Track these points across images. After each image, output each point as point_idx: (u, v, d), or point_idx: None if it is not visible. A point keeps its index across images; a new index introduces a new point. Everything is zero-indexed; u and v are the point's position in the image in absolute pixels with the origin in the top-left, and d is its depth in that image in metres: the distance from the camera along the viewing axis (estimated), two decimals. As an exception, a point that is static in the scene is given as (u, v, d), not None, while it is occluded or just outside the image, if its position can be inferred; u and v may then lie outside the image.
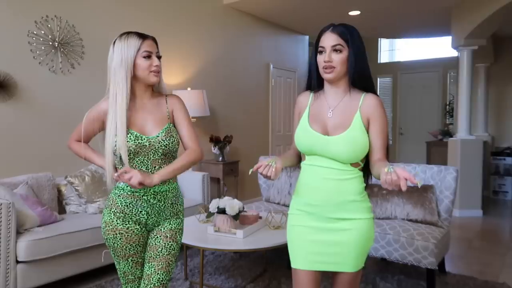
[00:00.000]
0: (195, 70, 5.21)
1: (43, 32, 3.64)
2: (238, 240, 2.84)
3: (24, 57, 3.53)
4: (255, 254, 3.78)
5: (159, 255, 1.72)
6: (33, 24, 3.58)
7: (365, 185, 1.66)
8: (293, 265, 1.66)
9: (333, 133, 1.58)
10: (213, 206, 3.01)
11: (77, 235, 3.02)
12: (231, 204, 2.94)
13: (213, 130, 5.39)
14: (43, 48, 3.64)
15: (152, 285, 1.69)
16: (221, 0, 5.55)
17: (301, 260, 1.64)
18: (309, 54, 1.77)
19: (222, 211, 2.95)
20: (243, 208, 3.02)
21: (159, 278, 1.70)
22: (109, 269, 3.30)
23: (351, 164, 1.58)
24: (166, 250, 1.73)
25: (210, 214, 3.07)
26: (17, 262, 2.76)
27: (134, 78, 1.68)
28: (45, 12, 3.66)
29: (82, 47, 3.94)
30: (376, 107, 1.57)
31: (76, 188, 3.48)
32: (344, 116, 1.59)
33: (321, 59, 1.58)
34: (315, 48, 1.62)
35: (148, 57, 1.66)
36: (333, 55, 1.55)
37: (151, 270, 1.71)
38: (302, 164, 1.69)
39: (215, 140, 5.13)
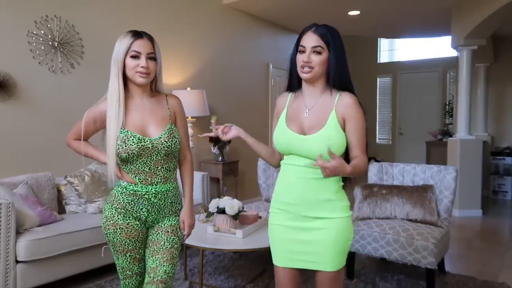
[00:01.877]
0: (194, 70, 5.21)
1: (42, 32, 3.64)
2: (237, 240, 2.84)
3: (23, 57, 3.53)
4: (254, 254, 3.78)
5: (162, 248, 1.74)
6: (32, 24, 3.58)
7: (343, 184, 1.69)
8: (274, 262, 1.73)
9: (309, 132, 1.61)
10: (213, 206, 3.01)
11: (77, 235, 3.02)
12: (231, 204, 2.94)
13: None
14: (42, 48, 3.64)
15: (159, 277, 1.69)
16: (221, 0, 5.55)
17: (280, 258, 1.70)
18: (292, 52, 1.82)
19: (221, 211, 2.95)
20: (243, 208, 3.02)
21: (165, 270, 1.71)
22: (109, 269, 3.30)
23: None
24: (169, 244, 1.75)
25: (209, 214, 3.07)
26: (17, 262, 2.76)
27: (128, 77, 1.69)
28: (44, 12, 3.66)
29: (81, 47, 3.93)
30: (350, 106, 1.59)
31: (76, 188, 3.48)
32: (320, 115, 1.62)
33: (300, 58, 1.61)
34: (296, 47, 1.65)
35: (136, 57, 1.65)
36: (312, 56, 1.58)
37: (156, 263, 1.71)
38: (281, 163, 1.73)
39: (214, 140, 5.12)
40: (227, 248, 2.78)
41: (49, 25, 3.69)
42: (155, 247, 1.74)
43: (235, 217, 2.95)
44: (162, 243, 1.74)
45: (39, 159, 3.61)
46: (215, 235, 2.94)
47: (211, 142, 5.15)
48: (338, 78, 1.60)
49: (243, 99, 5.97)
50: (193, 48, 5.18)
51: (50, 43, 3.69)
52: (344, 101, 1.60)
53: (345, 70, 1.62)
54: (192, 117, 4.71)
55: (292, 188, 1.64)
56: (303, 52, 1.59)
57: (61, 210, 3.50)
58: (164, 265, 1.71)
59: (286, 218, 1.68)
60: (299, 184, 1.62)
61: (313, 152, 1.57)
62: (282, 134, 1.67)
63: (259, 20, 6.22)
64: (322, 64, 1.59)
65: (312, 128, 1.61)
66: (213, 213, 3.02)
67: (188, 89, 4.87)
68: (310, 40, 1.58)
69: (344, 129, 1.60)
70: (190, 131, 4.74)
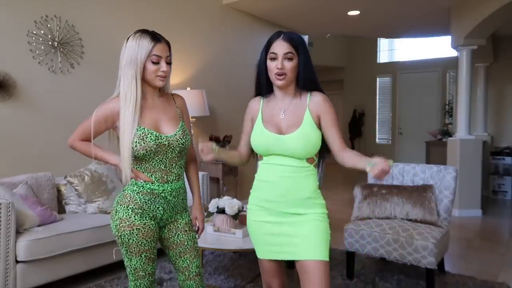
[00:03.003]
0: (194, 70, 5.21)
1: (42, 32, 3.64)
2: (237, 239, 2.84)
3: (23, 57, 3.53)
4: (254, 253, 3.76)
5: (187, 247, 1.83)
6: (32, 24, 3.58)
7: (318, 183, 1.77)
8: (257, 255, 1.85)
9: (287, 132, 1.70)
10: (213, 206, 3.01)
11: (77, 235, 3.02)
12: (231, 203, 2.95)
13: (213, 130, 5.39)
14: (42, 48, 3.64)
15: (194, 273, 1.84)
16: (221, 0, 5.55)
17: (261, 251, 1.81)
18: (260, 59, 1.88)
19: (221, 211, 2.96)
20: (243, 207, 3.02)
21: (197, 264, 1.85)
22: (108, 269, 3.30)
23: (307, 160, 1.71)
24: (191, 242, 1.85)
25: (209, 214, 3.07)
26: (17, 261, 2.76)
27: (143, 79, 1.70)
28: (44, 12, 3.66)
29: (81, 47, 3.93)
30: (323, 103, 1.71)
31: (76, 188, 3.48)
32: (295, 116, 1.71)
33: (273, 65, 1.68)
34: (265, 54, 1.72)
35: (157, 62, 1.68)
36: (285, 62, 1.66)
37: (187, 262, 1.83)
38: (260, 163, 1.80)
39: (214, 140, 5.13)
40: (227, 248, 2.79)
41: (49, 25, 3.69)
42: (181, 249, 1.83)
43: (235, 217, 2.95)
44: (186, 243, 1.83)
45: (39, 159, 3.61)
46: (215, 235, 2.94)
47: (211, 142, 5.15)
48: (308, 81, 1.70)
49: (243, 99, 5.92)
50: (193, 48, 5.18)
51: (50, 43, 3.70)
52: (315, 100, 1.71)
53: (313, 74, 1.71)
54: (192, 117, 4.71)
55: (274, 187, 1.72)
56: (275, 59, 1.67)
57: (61, 210, 3.50)
58: (194, 261, 1.84)
59: (265, 214, 1.76)
60: (281, 182, 1.70)
61: (293, 150, 1.67)
62: (261, 135, 1.74)
63: (259, 20, 6.22)
64: (294, 69, 1.68)
65: (289, 128, 1.70)
66: (213, 213, 3.02)
67: (188, 89, 4.87)
68: (282, 47, 1.67)
69: (319, 127, 1.71)
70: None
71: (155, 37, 1.69)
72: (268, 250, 1.78)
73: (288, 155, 1.69)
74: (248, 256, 3.74)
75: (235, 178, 5.55)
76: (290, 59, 1.66)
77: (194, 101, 4.65)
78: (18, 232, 2.83)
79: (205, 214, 3.14)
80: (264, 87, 1.78)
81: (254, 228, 1.81)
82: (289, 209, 1.71)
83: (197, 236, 1.93)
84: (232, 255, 3.78)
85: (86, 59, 3.98)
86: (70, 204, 3.53)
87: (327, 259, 1.68)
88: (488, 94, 7.15)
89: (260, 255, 1.82)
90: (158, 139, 1.69)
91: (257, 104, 1.84)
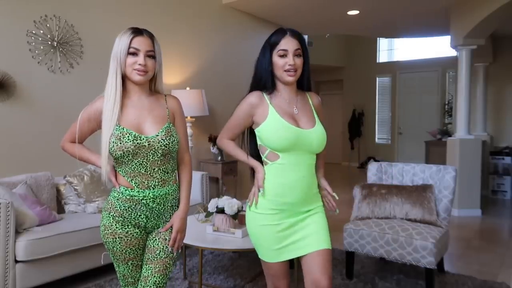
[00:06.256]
0: (194, 70, 5.21)
1: (42, 31, 3.64)
2: (237, 239, 2.84)
3: (23, 56, 3.53)
4: (254, 253, 3.75)
5: (156, 257, 1.67)
6: (32, 23, 3.57)
7: None
8: (264, 259, 1.78)
9: (306, 127, 1.72)
10: (212, 205, 3.01)
11: (76, 235, 3.02)
12: (230, 203, 2.94)
13: (212, 129, 5.38)
14: (42, 47, 3.64)
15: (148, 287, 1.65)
16: (220, 0, 5.55)
17: (272, 255, 1.74)
18: (261, 56, 1.83)
19: (221, 210, 2.95)
20: (242, 207, 3.02)
21: (155, 281, 1.65)
22: (108, 269, 3.30)
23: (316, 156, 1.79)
24: (164, 253, 1.68)
25: (209, 214, 3.07)
26: (16, 261, 2.76)
27: (126, 75, 1.63)
28: (44, 11, 3.66)
29: (81, 47, 3.93)
30: (320, 103, 1.84)
31: (75, 187, 3.47)
32: (307, 112, 1.77)
33: (283, 62, 1.68)
34: (270, 51, 1.71)
35: (135, 54, 1.59)
36: (295, 59, 1.68)
37: (148, 272, 1.66)
38: (274, 163, 1.71)
39: (214, 140, 5.13)
40: (226, 247, 2.79)
41: (48, 25, 3.68)
42: (150, 256, 1.68)
43: (234, 216, 2.95)
44: (158, 252, 1.67)
45: (38, 159, 3.61)
46: (214, 234, 2.94)
47: (210, 142, 5.15)
48: (307, 79, 1.77)
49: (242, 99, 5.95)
50: (192, 48, 5.18)
51: (49, 42, 3.69)
52: (316, 100, 1.82)
53: (309, 70, 1.76)
54: (191, 117, 4.71)
55: (293, 189, 1.71)
56: (285, 56, 1.68)
57: (60, 209, 3.50)
58: (155, 276, 1.65)
59: (281, 217, 1.71)
60: (299, 184, 1.71)
61: (316, 145, 1.71)
62: (285, 129, 1.66)
63: (259, 20, 6.22)
64: (302, 66, 1.71)
65: (307, 123, 1.73)
66: (212, 213, 3.02)
67: (188, 88, 4.87)
68: (292, 43, 1.68)
69: None
70: (189, 131, 4.74)
71: (136, 31, 1.61)
72: (280, 252, 1.73)
73: (308, 150, 1.71)
74: (247, 256, 3.74)
75: (235, 178, 5.55)
76: (299, 55, 1.69)
77: (193, 101, 4.65)
78: (18, 232, 2.82)
79: (205, 214, 3.16)
80: (267, 85, 1.73)
81: (264, 233, 1.73)
82: (305, 207, 1.74)
83: (169, 248, 1.68)
84: (232, 255, 3.77)
85: (85, 58, 3.98)
86: (70, 204, 3.52)
87: (331, 246, 1.76)
88: (487, 94, 7.15)
89: (268, 259, 1.75)
90: (136, 140, 1.58)
91: (260, 99, 1.73)
